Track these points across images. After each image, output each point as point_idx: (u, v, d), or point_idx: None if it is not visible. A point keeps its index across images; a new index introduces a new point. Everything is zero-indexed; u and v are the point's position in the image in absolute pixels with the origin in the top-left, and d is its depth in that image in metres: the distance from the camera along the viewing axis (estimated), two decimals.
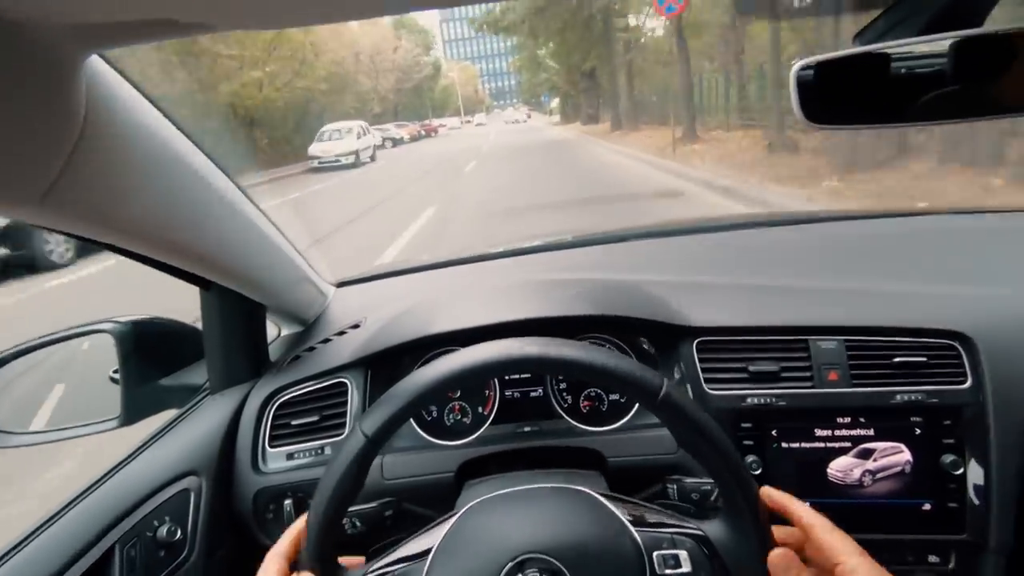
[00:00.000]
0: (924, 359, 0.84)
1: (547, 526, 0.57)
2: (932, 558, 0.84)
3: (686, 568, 0.54)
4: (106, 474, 0.78)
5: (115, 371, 0.98)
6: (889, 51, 0.57)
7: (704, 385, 0.88)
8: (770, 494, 0.58)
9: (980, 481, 0.80)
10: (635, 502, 0.61)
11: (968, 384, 0.82)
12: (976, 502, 0.80)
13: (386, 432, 0.55)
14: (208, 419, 0.92)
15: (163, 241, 0.66)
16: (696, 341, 0.91)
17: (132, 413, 0.94)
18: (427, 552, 0.56)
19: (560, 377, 0.97)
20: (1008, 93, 0.59)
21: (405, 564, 0.56)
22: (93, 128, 0.48)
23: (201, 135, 0.70)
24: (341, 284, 1.30)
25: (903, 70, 0.59)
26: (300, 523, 0.58)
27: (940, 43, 0.57)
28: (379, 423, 0.54)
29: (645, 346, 0.97)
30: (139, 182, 0.58)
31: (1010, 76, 0.59)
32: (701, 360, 0.90)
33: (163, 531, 0.75)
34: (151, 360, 1.00)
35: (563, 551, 0.54)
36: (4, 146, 0.38)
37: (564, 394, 0.97)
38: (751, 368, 0.88)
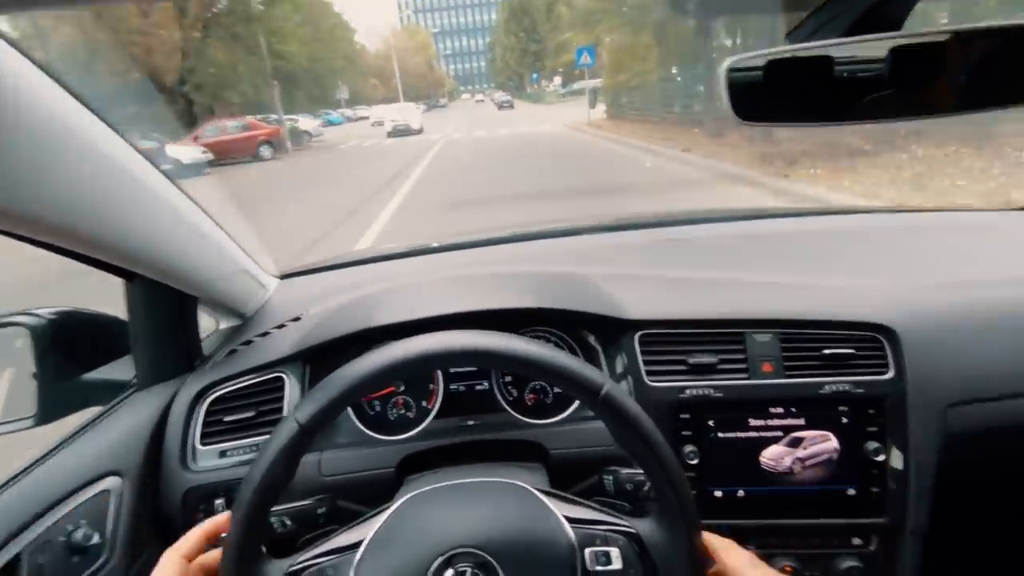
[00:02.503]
0: (851, 351, 0.87)
1: (481, 521, 0.56)
2: (856, 541, 0.88)
3: (617, 565, 0.54)
4: (12, 478, 0.73)
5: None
6: (819, 51, 0.58)
7: (645, 377, 0.89)
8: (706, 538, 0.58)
9: (900, 467, 0.84)
10: (571, 498, 0.62)
11: (890, 375, 0.86)
12: (896, 487, 0.85)
13: (320, 422, 0.53)
14: (134, 416, 0.88)
15: (77, 232, 0.61)
16: (638, 334, 0.92)
17: (49, 411, 0.88)
18: (358, 544, 0.55)
19: (507, 371, 0.96)
20: (936, 96, 0.61)
21: (335, 556, 0.55)
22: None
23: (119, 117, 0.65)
24: (285, 276, 1.25)
25: (838, 71, 0.60)
26: (211, 522, 0.56)
27: (871, 46, 0.59)
28: (313, 412, 0.52)
29: (589, 339, 0.97)
30: (52, 173, 0.55)
31: (938, 80, 0.61)
32: (643, 353, 0.91)
33: (78, 535, 0.71)
34: (72, 354, 0.94)
35: (495, 546, 0.54)
36: None
37: (509, 387, 0.97)
38: (690, 360, 0.89)
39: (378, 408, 0.96)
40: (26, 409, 0.88)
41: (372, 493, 0.84)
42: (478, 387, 0.97)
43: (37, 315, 0.91)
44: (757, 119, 0.59)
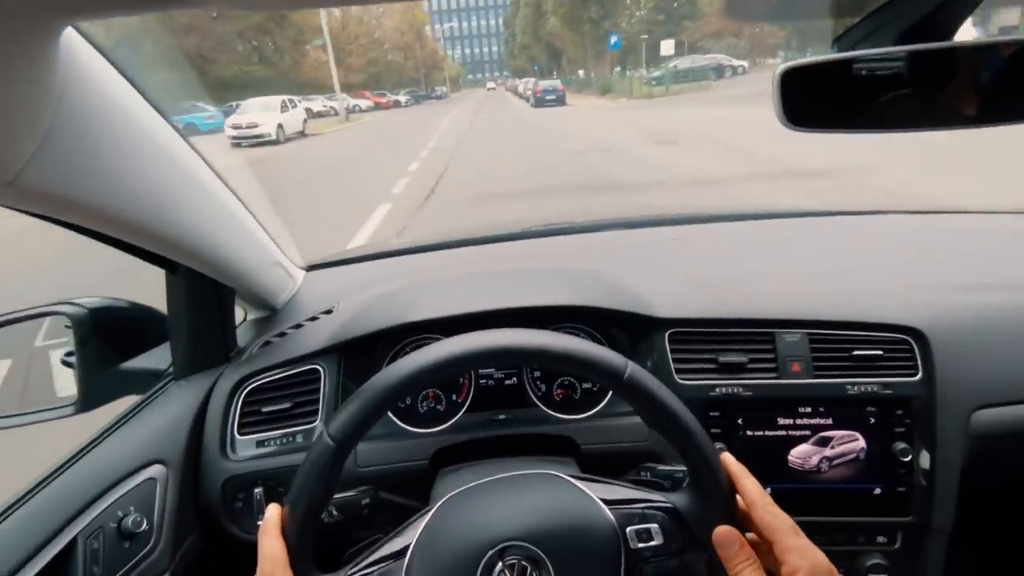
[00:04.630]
0: (880, 352, 0.88)
1: (522, 513, 0.57)
2: (880, 539, 0.90)
3: (658, 540, 0.56)
4: (66, 463, 0.75)
5: (68, 354, 0.94)
6: (865, 59, 0.59)
7: (675, 375, 0.91)
8: (728, 462, 0.59)
9: (926, 467, 0.86)
10: (605, 480, 0.63)
11: (919, 377, 0.87)
12: (922, 486, 0.86)
13: (355, 435, 0.54)
14: (174, 405, 0.89)
15: (133, 223, 0.63)
16: (668, 332, 0.93)
17: (91, 398, 0.90)
18: (405, 550, 0.56)
19: (533, 365, 0.97)
20: (978, 103, 0.62)
21: (384, 564, 0.56)
22: (68, 105, 0.45)
23: (172, 111, 0.65)
24: (311, 268, 1.27)
25: (879, 77, 0.61)
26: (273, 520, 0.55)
27: (913, 52, 0.60)
28: (346, 426, 0.53)
29: (619, 337, 0.99)
30: (112, 162, 0.55)
31: (980, 87, 0.62)
32: (673, 351, 0.92)
33: (128, 522, 0.73)
34: (110, 343, 0.96)
35: (540, 536, 0.55)
36: None
37: (538, 382, 0.98)
38: (720, 359, 0.91)
39: (409, 401, 0.98)
40: (67, 396, 0.91)
41: (408, 484, 0.86)
42: (507, 382, 0.98)
43: (78, 304, 0.92)
44: (805, 125, 0.60)
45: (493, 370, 0.98)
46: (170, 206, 0.68)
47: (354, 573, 0.55)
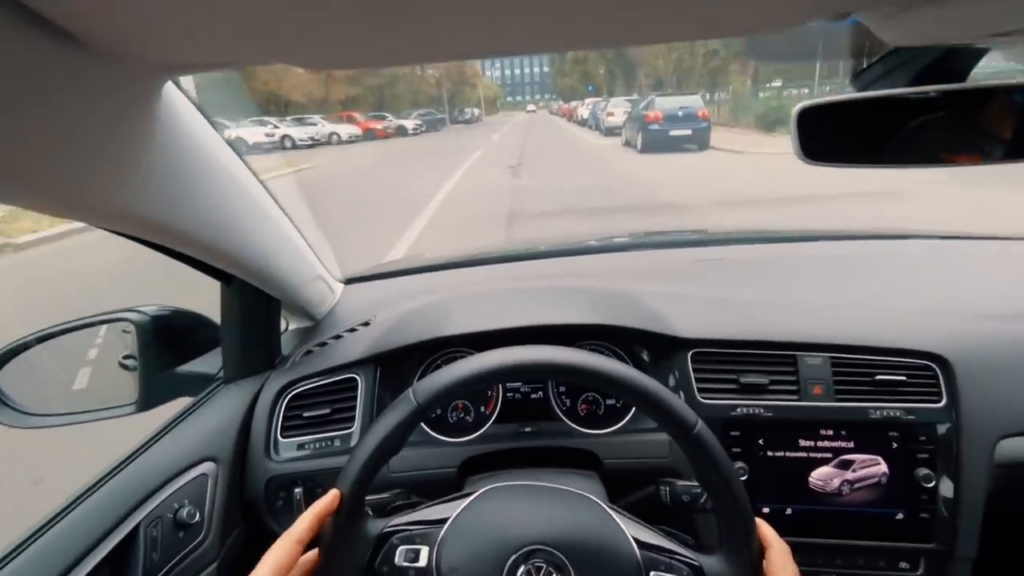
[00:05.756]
0: (903, 377, 0.89)
1: (557, 523, 0.61)
2: (903, 564, 0.90)
3: None
4: (128, 457, 0.82)
5: (125, 357, 1.02)
6: (881, 97, 0.62)
7: (697, 394, 0.93)
8: (760, 524, 0.60)
9: (950, 494, 0.86)
10: (638, 520, 0.65)
11: (943, 403, 0.88)
12: (945, 513, 0.86)
13: (435, 403, 0.58)
14: (224, 407, 0.96)
15: (205, 243, 0.70)
16: (691, 352, 0.96)
17: (149, 399, 0.98)
18: (444, 521, 0.60)
19: (563, 380, 1.01)
20: (990, 142, 0.64)
21: (423, 526, 0.61)
22: (165, 145, 0.52)
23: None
24: (349, 281, 1.33)
25: (902, 118, 0.64)
26: (320, 504, 0.58)
27: (930, 94, 0.62)
28: (432, 393, 0.58)
29: (642, 355, 1.02)
30: (195, 193, 0.63)
31: (999, 129, 0.64)
32: (695, 370, 0.95)
33: (183, 513, 0.80)
34: (167, 348, 1.04)
35: (570, 549, 0.58)
36: (93, 164, 0.43)
37: (563, 397, 1.02)
38: (742, 380, 0.93)
39: (439, 411, 1.02)
40: (127, 396, 0.99)
41: (435, 491, 0.90)
42: (533, 396, 1.02)
43: (141, 312, 1.01)
44: (822, 160, 0.63)
45: (520, 384, 1.03)
46: (235, 227, 0.75)
47: (399, 524, 0.61)
